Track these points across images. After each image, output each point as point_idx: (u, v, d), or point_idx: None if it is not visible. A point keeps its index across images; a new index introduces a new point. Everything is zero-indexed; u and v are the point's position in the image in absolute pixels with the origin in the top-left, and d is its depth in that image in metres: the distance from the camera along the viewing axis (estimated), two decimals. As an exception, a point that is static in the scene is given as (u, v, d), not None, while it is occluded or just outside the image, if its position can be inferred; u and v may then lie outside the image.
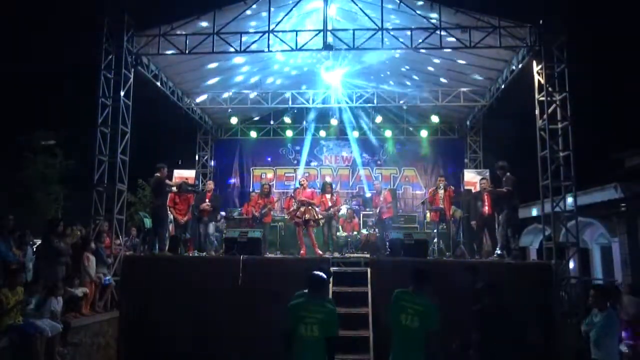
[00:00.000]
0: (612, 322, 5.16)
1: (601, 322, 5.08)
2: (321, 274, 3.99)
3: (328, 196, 9.62)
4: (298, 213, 9.17)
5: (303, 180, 9.90)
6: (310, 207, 9.11)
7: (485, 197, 8.87)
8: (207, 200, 9.81)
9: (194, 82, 12.04)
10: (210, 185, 10.40)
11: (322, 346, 3.71)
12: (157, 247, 8.73)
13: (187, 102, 12.70)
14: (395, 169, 14.54)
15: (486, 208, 8.87)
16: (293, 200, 10.62)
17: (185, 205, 9.71)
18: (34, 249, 7.93)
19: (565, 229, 8.60)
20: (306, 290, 3.97)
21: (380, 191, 10.31)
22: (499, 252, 8.36)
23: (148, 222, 10.07)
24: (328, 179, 12.45)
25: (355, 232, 10.82)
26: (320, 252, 9.02)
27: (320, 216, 9.26)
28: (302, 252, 9.12)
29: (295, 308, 3.83)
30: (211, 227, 9.79)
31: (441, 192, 9.65)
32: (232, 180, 14.70)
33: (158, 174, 8.92)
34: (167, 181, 9.15)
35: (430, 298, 4.07)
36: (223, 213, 11.46)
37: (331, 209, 9.51)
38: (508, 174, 8.41)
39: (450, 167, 14.04)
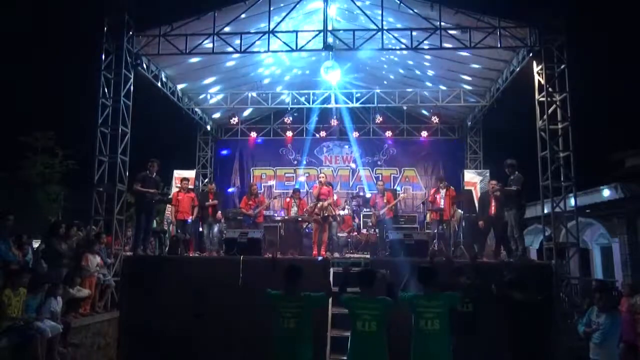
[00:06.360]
0: (617, 325, 5.17)
1: (608, 325, 5.08)
2: None
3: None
4: (316, 210, 8.98)
5: (322, 177, 9.68)
6: (327, 203, 8.96)
7: (492, 197, 8.84)
8: (209, 200, 9.90)
9: (194, 82, 12.03)
10: (212, 187, 10.44)
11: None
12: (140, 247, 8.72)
13: (187, 102, 12.69)
14: (395, 169, 14.53)
15: (492, 208, 8.83)
16: (292, 200, 10.61)
17: (187, 205, 9.72)
18: (34, 250, 7.90)
19: (565, 229, 8.59)
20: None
21: (384, 192, 10.27)
22: (519, 253, 8.26)
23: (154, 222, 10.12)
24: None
25: (354, 233, 10.80)
26: (324, 253, 8.97)
27: (337, 212, 9.10)
28: (314, 252, 8.91)
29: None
30: (215, 229, 9.82)
31: (442, 192, 9.63)
32: (231, 190, 14.58)
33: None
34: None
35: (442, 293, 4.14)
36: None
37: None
38: (517, 172, 8.36)
39: (450, 167, 14.01)
